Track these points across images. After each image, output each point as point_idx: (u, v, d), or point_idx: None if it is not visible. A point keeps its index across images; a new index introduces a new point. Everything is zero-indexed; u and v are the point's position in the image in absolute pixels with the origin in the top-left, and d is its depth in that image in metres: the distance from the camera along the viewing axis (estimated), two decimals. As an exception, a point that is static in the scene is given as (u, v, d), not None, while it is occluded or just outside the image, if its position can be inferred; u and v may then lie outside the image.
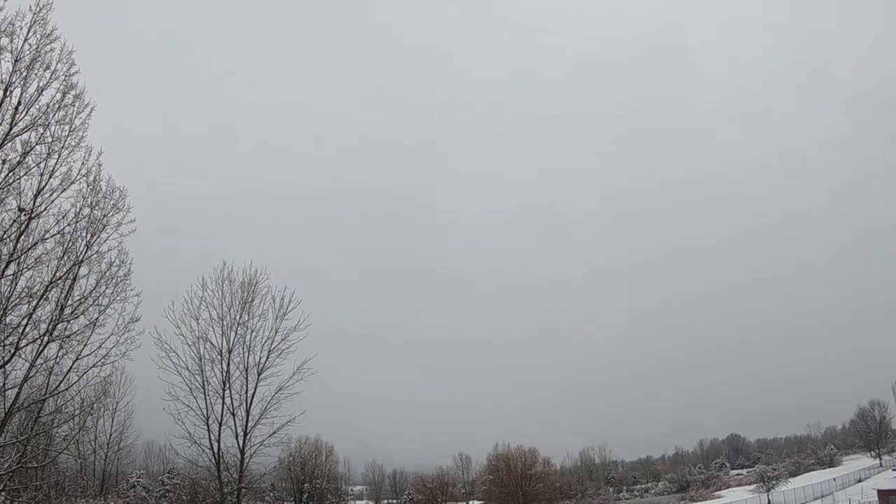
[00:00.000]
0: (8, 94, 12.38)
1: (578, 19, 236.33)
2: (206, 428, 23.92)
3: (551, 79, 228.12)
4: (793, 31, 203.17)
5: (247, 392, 24.83)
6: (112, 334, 14.58)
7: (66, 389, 14.63)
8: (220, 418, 24.15)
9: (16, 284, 13.18)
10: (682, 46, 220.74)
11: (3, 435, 13.54)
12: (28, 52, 12.53)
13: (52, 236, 13.53)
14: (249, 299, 25.37)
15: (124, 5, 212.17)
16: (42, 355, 13.59)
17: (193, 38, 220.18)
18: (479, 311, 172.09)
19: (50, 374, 14.21)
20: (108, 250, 14.63)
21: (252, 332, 25.21)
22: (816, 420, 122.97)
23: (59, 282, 13.64)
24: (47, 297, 13.48)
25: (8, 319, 13.06)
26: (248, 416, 24.63)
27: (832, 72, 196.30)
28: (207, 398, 24.11)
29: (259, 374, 24.99)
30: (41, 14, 12.60)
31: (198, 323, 24.43)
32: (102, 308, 14.45)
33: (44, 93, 12.82)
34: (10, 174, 12.57)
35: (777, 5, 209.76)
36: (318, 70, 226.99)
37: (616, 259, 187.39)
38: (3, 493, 15.30)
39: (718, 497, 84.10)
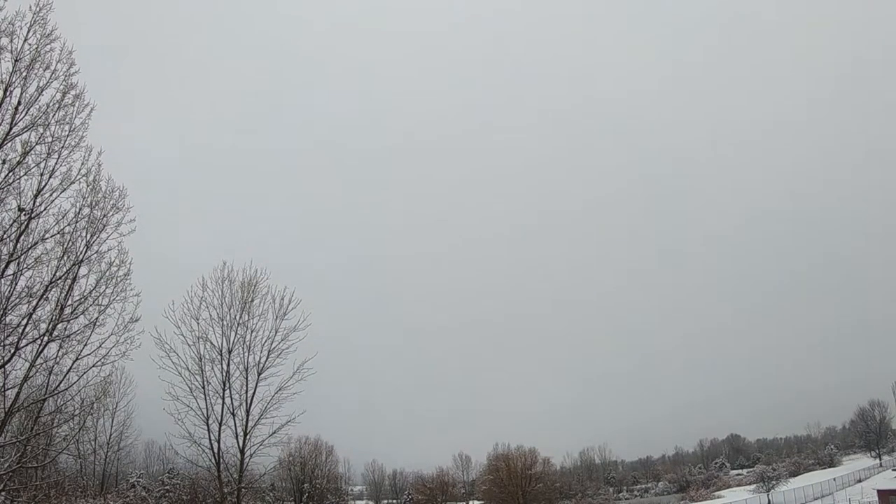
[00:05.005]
0: (8, 94, 12.38)
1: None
2: (206, 428, 23.93)
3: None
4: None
5: (247, 392, 24.84)
6: (112, 334, 14.57)
7: (66, 389, 14.61)
8: (220, 418, 24.15)
9: (16, 284, 13.17)
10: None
11: (3, 435, 13.53)
12: (28, 52, 12.53)
13: (52, 236, 13.52)
14: (249, 299, 25.37)
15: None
16: (42, 355, 13.58)
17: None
18: (480, 312, 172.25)
19: (50, 374, 14.21)
20: (108, 250, 14.62)
21: (252, 332, 25.23)
22: (816, 420, 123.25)
23: (59, 282, 13.63)
24: (47, 297, 13.48)
25: (8, 319, 13.06)
26: (248, 416, 24.62)
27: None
28: (207, 398, 24.13)
29: (259, 374, 24.99)
30: (41, 14, 12.61)
31: (198, 323, 24.47)
32: (102, 308, 14.43)
33: (44, 93, 12.84)
34: (10, 174, 12.57)
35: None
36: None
37: (614, 260, 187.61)
38: (3, 493, 15.29)
39: (718, 497, 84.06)
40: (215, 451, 23.92)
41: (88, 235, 14.19)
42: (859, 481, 71.23)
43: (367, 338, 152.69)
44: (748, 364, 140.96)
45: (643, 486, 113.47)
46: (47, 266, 13.52)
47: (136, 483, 54.69)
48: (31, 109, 12.69)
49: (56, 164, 13.19)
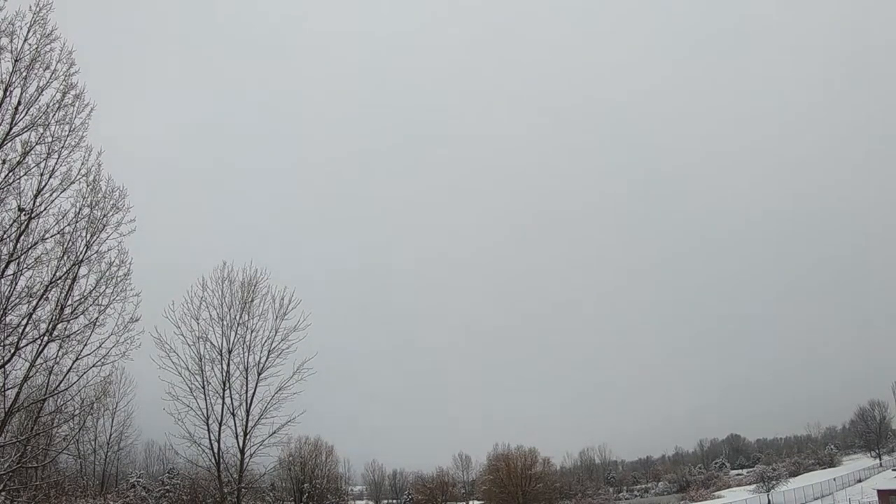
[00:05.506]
0: (8, 94, 12.38)
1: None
2: (206, 428, 23.96)
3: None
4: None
5: (247, 392, 24.87)
6: (112, 334, 14.58)
7: (66, 389, 14.61)
8: (220, 418, 24.18)
9: (16, 284, 13.17)
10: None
11: (3, 435, 13.53)
12: (28, 52, 12.53)
13: (52, 236, 13.52)
14: (249, 299, 25.39)
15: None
16: (42, 355, 13.58)
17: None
18: (479, 312, 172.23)
19: (50, 374, 14.21)
20: (108, 250, 14.62)
21: (252, 332, 25.26)
22: (816, 420, 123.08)
23: (59, 282, 13.63)
24: (47, 297, 13.47)
25: (8, 319, 13.05)
26: (248, 416, 24.65)
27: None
28: (207, 398, 24.17)
29: (259, 374, 25.02)
30: (41, 14, 12.60)
31: (198, 323, 24.49)
32: (102, 308, 14.43)
33: (44, 93, 12.83)
34: (10, 174, 12.57)
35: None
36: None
37: (613, 258, 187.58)
38: (3, 493, 15.30)
39: (718, 497, 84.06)
40: (215, 451, 23.94)
41: (88, 235, 14.19)
42: (859, 481, 71.23)
43: (366, 339, 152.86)
44: (748, 364, 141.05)
45: (643, 486, 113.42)
46: (47, 266, 13.52)
47: (136, 483, 54.67)
48: (31, 109, 12.69)
49: (56, 164, 13.20)
